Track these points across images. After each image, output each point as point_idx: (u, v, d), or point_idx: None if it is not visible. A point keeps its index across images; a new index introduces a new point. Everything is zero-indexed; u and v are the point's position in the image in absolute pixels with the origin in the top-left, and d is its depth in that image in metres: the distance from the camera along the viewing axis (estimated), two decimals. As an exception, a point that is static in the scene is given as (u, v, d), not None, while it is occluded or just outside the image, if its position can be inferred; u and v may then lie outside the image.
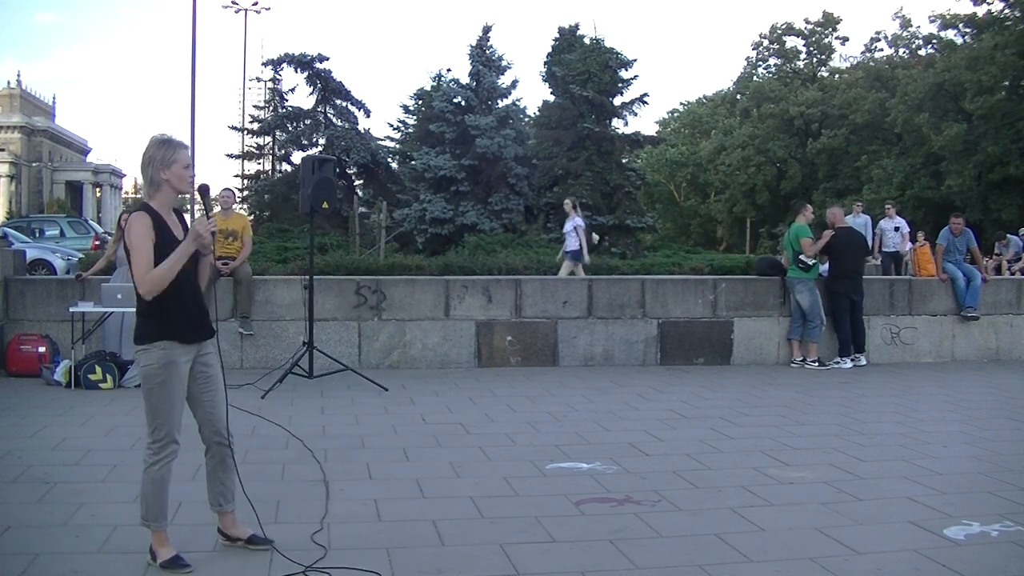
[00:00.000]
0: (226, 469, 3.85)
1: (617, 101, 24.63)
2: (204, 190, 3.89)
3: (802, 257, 9.67)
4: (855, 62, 50.16)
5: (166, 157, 3.62)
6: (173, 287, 3.58)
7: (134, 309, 8.68)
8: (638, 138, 25.03)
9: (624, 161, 25.12)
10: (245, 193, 29.96)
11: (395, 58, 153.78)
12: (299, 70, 25.81)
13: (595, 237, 9.93)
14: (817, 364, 9.62)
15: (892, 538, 4.11)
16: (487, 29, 25.25)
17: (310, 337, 8.17)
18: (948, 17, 40.23)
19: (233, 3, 39.59)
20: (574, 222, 12.83)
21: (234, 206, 9.78)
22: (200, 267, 3.74)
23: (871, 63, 47.46)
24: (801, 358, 9.69)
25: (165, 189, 3.66)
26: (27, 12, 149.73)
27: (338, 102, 25.99)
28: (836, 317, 9.86)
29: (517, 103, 26.09)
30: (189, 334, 3.65)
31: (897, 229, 15.90)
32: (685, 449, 5.82)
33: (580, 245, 12.59)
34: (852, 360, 9.77)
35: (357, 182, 26.49)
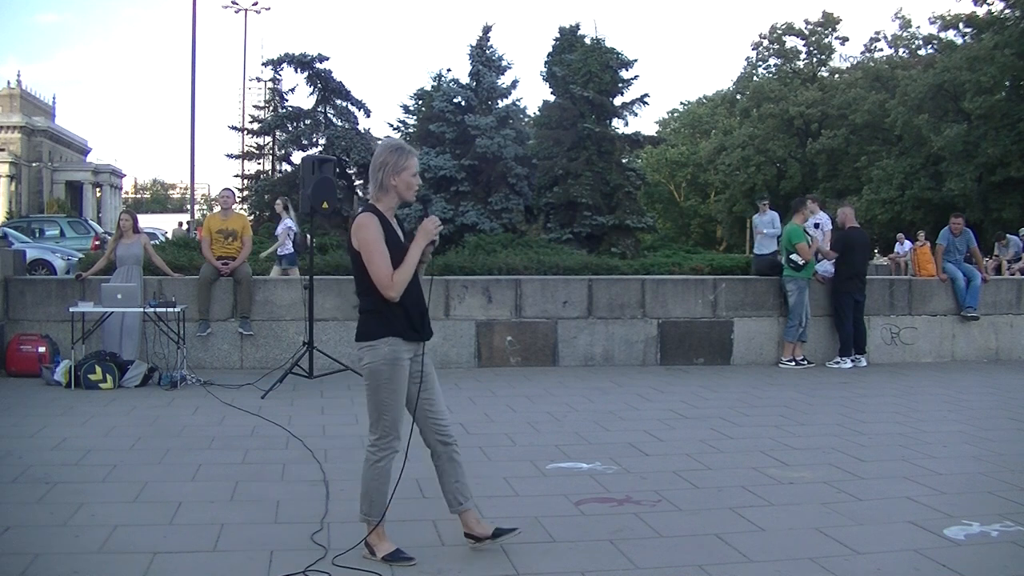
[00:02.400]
0: (456, 466, 3.81)
1: (617, 101, 24.64)
2: (427, 197, 3.95)
3: (792, 257, 9.69)
4: (855, 62, 50.24)
5: (398, 164, 3.67)
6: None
7: (134, 309, 8.67)
8: (638, 138, 25.05)
9: (624, 161, 25.13)
10: (245, 193, 29.95)
11: (395, 58, 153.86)
12: (299, 70, 25.82)
13: (308, 238, 9.45)
14: (793, 363, 9.58)
15: (892, 538, 4.10)
16: (487, 29, 25.27)
17: (310, 337, 8.18)
18: (949, 18, 40.26)
19: (233, 3, 39.58)
20: (285, 224, 12.24)
21: (233, 206, 9.77)
22: (420, 272, 3.77)
23: (871, 63, 47.51)
24: (790, 358, 9.67)
25: (392, 194, 3.70)
26: (29, 12, 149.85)
27: (338, 102, 25.99)
28: (840, 317, 9.85)
29: (517, 103, 26.12)
30: (412, 333, 3.68)
31: (817, 226, 13.49)
32: (685, 449, 5.82)
33: (291, 249, 12.00)
34: (852, 361, 9.77)
35: (357, 182, 26.48)
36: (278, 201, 13.05)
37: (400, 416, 3.68)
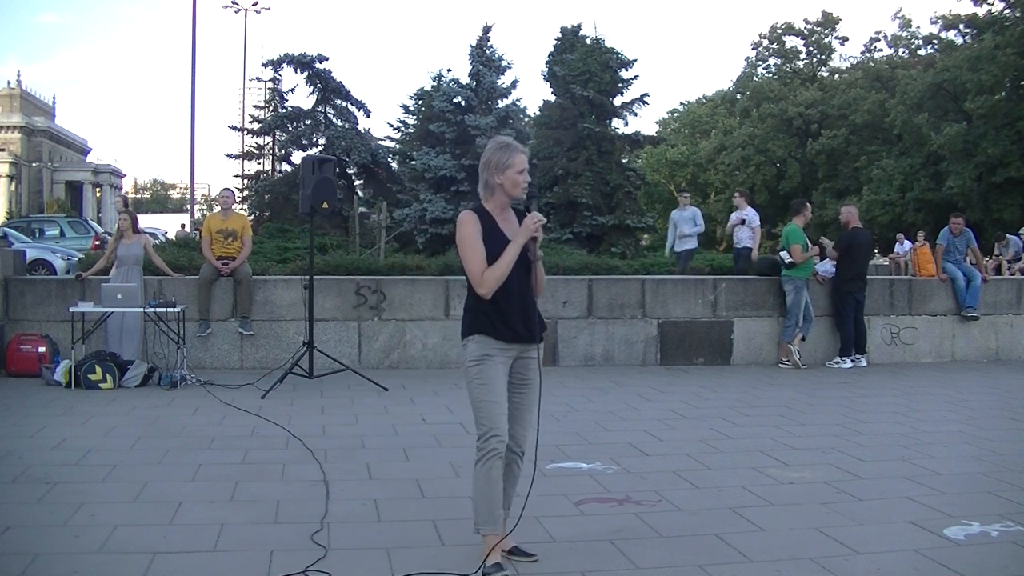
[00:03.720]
0: (510, 476, 3.74)
1: (617, 101, 24.61)
2: (532, 194, 3.66)
3: (782, 254, 9.72)
4: (855, 62, 50.22)
5: (501, 161, 3.58)
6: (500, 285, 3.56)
7: (134, 309, 8.67)
8: (638, 138, 25.02)
9: (624, 161, 25.10)
10: (245, 193, 29.93)
11: (395, 58, 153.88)
12: (299, 70, 25.77)
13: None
14: (791, 365, 9.56)
15: (892, 538, 4.10)
16: (487, 29, 25.24)
17: (310, 337, 8.17)
18: (950, 18, 40.25)
19: (233, 3, 39.58)
20: None
21: (233, 206, 9.77)
22: (535, 271, 3.63)
23: (871, 63, 47.49)
24: (786, 359, 9.67)
25: (498, 193, 3.61)
26: (29, 12, 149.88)
27: (338, 102, 25.94)
28: (841, 316, 9.85)
29: (517, 103, 26.07)
30: (506, 332, 3.56)
31: (744, 222, 12.87)
32: (685, 449, 5.82)
33: None
34: (852, 361, 9.77)
35: (357, 182, 26.45)
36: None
37: (498, 414, 3.55)
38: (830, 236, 12.13)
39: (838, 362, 9.77)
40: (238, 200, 25.04)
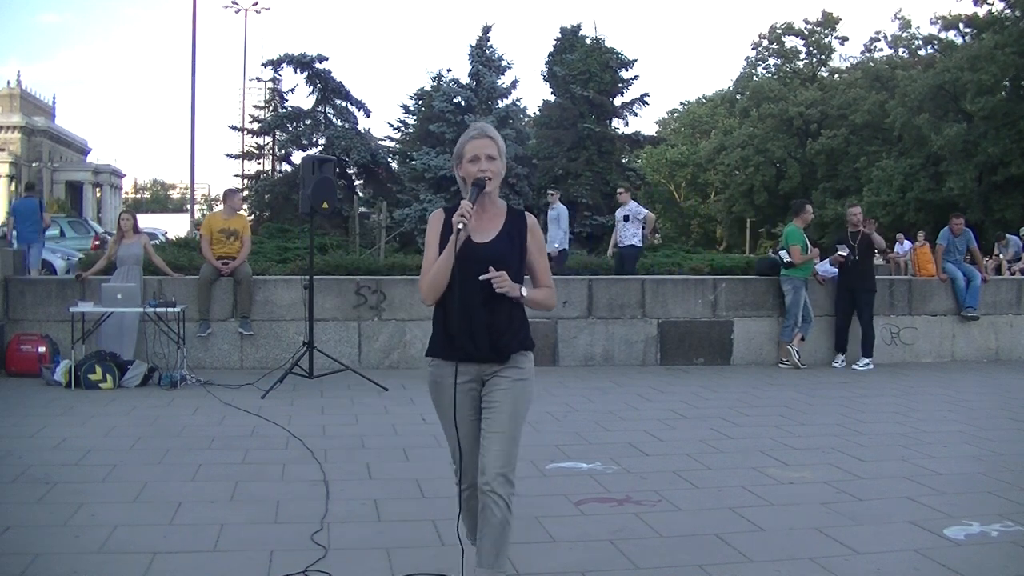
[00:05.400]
0: (488, 530, 3.01)
1: (617, 101, 24.66)
2: (479, 183, 3.03)
3: (782, 254, 9.72)
4: (855, 62, 50.24)
5: (458, 152, 3.11)
6: (444, 296, 3.03)
7: (134, 309, 8.67)
8: (638, 138, 25.06)
9: (624, 161, 25.14)
10: (245, 193, 29.95)
11: (395, 58, 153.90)
12: (299, 70, 25.81)
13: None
14: (790, 365, 9.54)
15: (892, 538, 4.10)
16: (487, 29, 25.28)
17: (310, 337, 8.17)
18: (949, 18, 40.26)
19: (233, 3, 39.57)
20: None
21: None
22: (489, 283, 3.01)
23: (871, 63, 47.49)
24: (785, 359, 9.66)
25: (466, 186, 3.09)
26: (30, 12, 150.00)
27: (338, 102, 25.98)
28: (866, 317, 9.79)
29: (517, 103, 26.12)
30: (451, 352, 3.05)
31: (627, 218, 11.93)
32: (685, 449, 5.82)
33: None
34: (840, 363, 9.77)
35: (357, 182, 26.48)
36: None
37: (456, 449, 3.13)
38: (830, 237, 12.05)
39: (867, 364, 9.68)
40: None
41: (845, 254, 9.66)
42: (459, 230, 2.90)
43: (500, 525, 3.00)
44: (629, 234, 11.94)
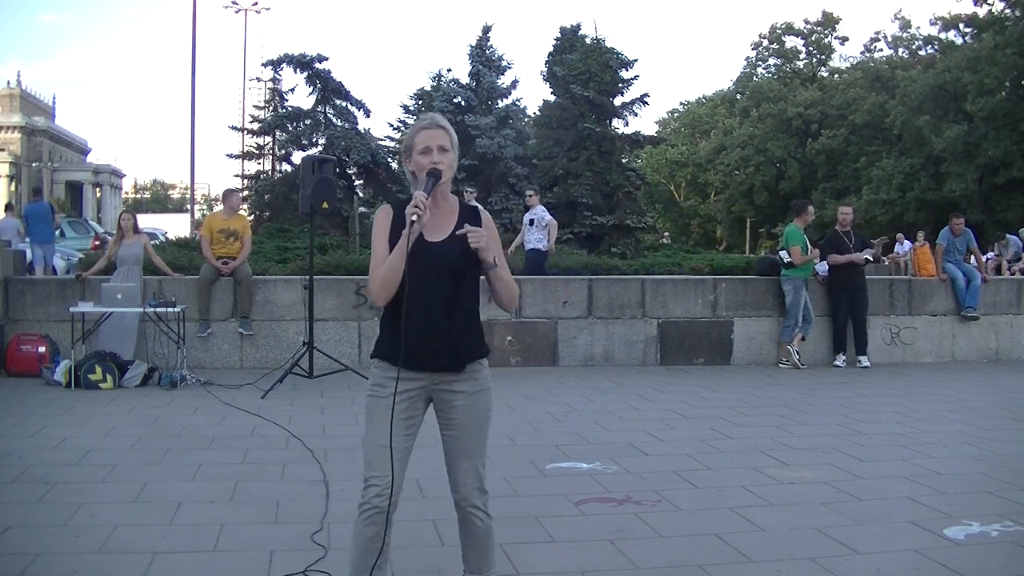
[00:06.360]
0: (473, 541, 2.97)
1: (617, 101, 24.60)
2: (435, 174, 2.82)
3: (782, 254, 9.73)
4: (855, 62, 50.26)
5: (408, 145, 2.90)
6: (396, 296, 2.80)
7: (134, 309, 8.66)
8: (638, 138, 25.01)
9: (624, 161, 25.09)
10: (245, 193, 29.94)
11: (395, 58, 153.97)
12: (299, 70, 25.78)
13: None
14: (790, 365, 9.55)
15: (892, 538, 4.10)
16: (487, 29, 25.27)
17: (310, 337, 8.17)
18: (949, 18, 40.26)
19: (233, 3, 39.57)
20: None
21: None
22: (493, 280, 2.96)
23: (871, 63, 47.52)
24: (785, 359, 9.67)
25: (417, 181, 2.87)
26: (30, 12, 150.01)
27: (338, 102, 25.95)
28: (863, 316, 9.84)
29: (517, 103, 26.11)
30: (397, 356, 2.76)
31: (532, 222, 11.60)
32: (685, 449, 5.82)
33: None
34: (842, 362, 9.78)
35: (357, 182, 26.45)
36: None
37: (378, 460, 2.82)
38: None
39: (863, 363, 9.73)
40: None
41: (870, 258, 9.85)
42: (412, 222, 2.69)
43: (485, 534, 2.98)
44: (534, 238, 11.72)
